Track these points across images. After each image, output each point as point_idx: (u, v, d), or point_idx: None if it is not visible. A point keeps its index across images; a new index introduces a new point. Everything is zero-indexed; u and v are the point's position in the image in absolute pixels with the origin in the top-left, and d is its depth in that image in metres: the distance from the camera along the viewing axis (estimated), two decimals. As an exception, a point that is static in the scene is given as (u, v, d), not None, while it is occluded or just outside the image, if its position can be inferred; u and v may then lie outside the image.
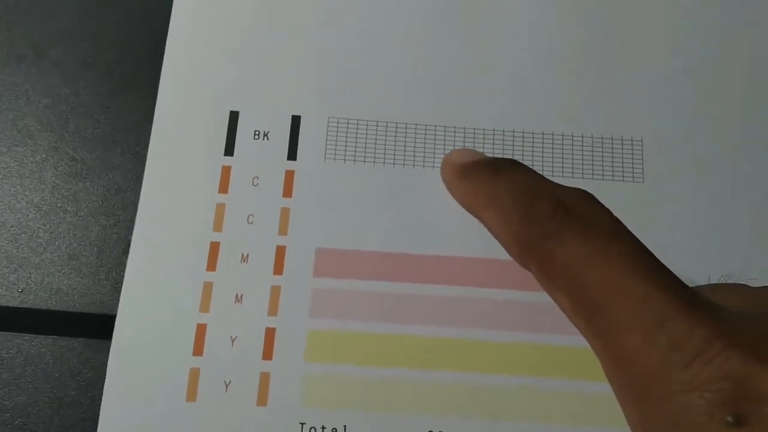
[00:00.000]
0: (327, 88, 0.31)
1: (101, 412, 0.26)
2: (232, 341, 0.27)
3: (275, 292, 0.28)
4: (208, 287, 0.28)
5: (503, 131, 0.30)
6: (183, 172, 0.29)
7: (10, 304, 0.28)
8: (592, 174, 0.29)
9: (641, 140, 0.30)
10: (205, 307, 0.28)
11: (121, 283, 0.28)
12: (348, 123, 0.30)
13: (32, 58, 0.31)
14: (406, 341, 0.27)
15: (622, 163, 0.30)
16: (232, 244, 0.28)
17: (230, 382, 0.27)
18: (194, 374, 0.27)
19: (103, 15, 0.32)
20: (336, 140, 0.30)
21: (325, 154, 0.30)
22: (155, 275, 0.28)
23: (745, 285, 0.20)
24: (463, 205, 0.24)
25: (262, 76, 0.31)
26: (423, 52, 0.31)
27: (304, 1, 0.32)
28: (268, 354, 0.27)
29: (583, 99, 0.30)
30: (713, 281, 0.27)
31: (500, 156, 0.30)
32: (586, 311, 0.17)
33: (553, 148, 0.30)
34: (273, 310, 0.28)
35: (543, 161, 0.30)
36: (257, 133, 0.30)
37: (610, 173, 0.29)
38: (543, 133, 0.30)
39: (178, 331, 0.27)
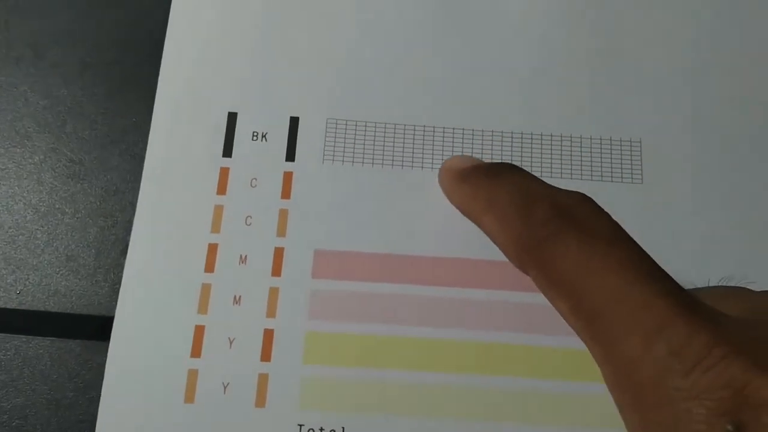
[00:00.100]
0: (325, 90, 0.31)
1: (99, 414, 0.26)
2: (231, 343, 0.27)
3: (273, 293, 0.28)
4: (206, 289, 0.28)
5: (502, 132, 0.30)
6: (181, 173, 0.29)
7: (8, 306, 0.28)
8: (591, 175, 0.29)
9: (640, 141, 0.30)
10: (203, 308, 0.28)
11: (119, 284, 0.28)
12: (346, 124, 0.30)
13: (30, 59, 0.31)
14: (405, 343, 0.27)
15: (621, 164, 0.29)
16: (230, 246, 0.28)
17: (228, 383, 0.27)
18: (192, 376, 0.27)
19: (101, 16, 0.32)
20: (334, 141, 0.30)
21: (324, 155, 0.30)
22: (153, 277, 0.28)
23: (745, 288, 0.20)
24: (462, 210, 0.24)
25: (261, 77, 0.31)
26: (421, 54, 0.31)
27: (302, 2, 0.32)
28: (266, 355, 0.27)
29: (582, 100, 0.30)
30: (713, 284, 0.27)
31: (499, 157, 0.30)
32: (586, 316, 0.17)
33: (551, 149, 0.30)
34: (271, 312, 0.28)
35: (542, 162, 0.30)
36: (255, 134, 0.30)
37: (609, 174, 0.29)
38: (542, 135, 0.30)
39: (176, 332, 0.27)
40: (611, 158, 0.30)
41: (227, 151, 0.30)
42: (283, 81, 0.31)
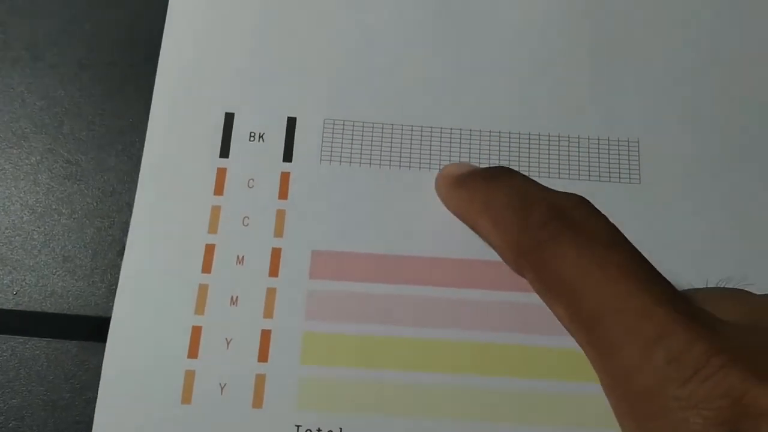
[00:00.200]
0: (322, 90, 0.30)
1: (96, 415, 0.26)
2: (228, 343, 0.27)
3: (271, 294, 0.28)
4: (203, 289, 0.28)
5: (499, 133, 0.30)
6: (178, 174, 0.29)
7: (5, 307, 0.28)
8: (589, 175, 0.29)
9: (638, 141, 0.30)
10: (200, 309, 0.28)
11: (116, 285, 0.28)
12: (344, 125, 0.30)
13: (27, 60, 0.31)
14: (402, 343, 0.27)
15: (619, 164, 0.29)
16: (227, 246, 0.28)
17: (225, 384, 0.27)
18: (189, 376, 0.27)
19: (98, 17, 0.32)
20: (332, 142, 0.30)
21: (321, 155, 0.30)
22: (150, 277, 0.28)
23: (745, 291, 0.20)
24: (459, 216, 0.24)
25: (258, 77, 0.31)
26: (418, 54, 0.31)
27: (299, 2, 0.32)
28: (263, 356, 0.27)
29: (580, 100, 0.30)
30: (711, 284, 0.27)
31: (497, 157, 0.30)
32: (584, 323, 0.17)
33: (549, 149, 0.30)
34: (268, 313, 0.28)
35: (539, 162, 0.29)
36: (253, 134, 0.30)
37: (607, 174, 0.29)
38: (539, 135, 0.30)
39: (173, 333, 0.27)
40: (609, 158, 0.29)
41: (224, 152, 0.30)
42: (280, 81, 0.31)
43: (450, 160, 0.29)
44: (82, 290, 0.28)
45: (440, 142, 0.30)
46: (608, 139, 0.30)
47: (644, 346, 0.15)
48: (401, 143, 0.30)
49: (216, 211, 0.29)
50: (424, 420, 0.26)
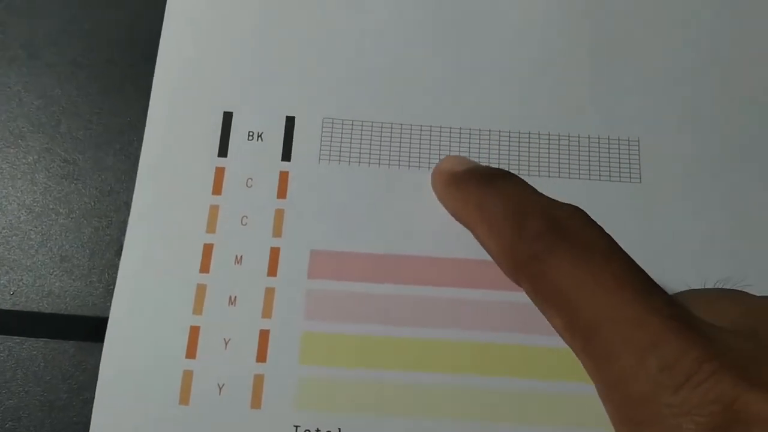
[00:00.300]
0: (321, 89, 0.30)
1: (93, 416, 0.26)
2: (226, 344, 0.27)
3: (269, 294, 0.28)
4: (201, 289, 0.28)
5: (499, 132, 0.30)
6: (176, 173, 0.29)
7: (2, 307, 0.28)
8: (589, 174, 0.29)
9: (638, 140, 0.30)
10: (198, 309, 0.27)
11: (114, 285, 0.28)
12: (343, 124, 0.30)
13: (24, 59, 0.31)
14: (401, 343, 0.27)
15: (619, 163, 0.29)
16: (225, 246, 0.28)
17: (224, 384, 0.27)
18: (187, 377, 0.27)
19: (96, 16, 0.32)
20: (331, 141, 0.30)
21: (320, 155, 0.29)
22: (148, 277, 0.28)
23: (742, 292, 0.20)
24: (454, 216, 0.24)
25: (256, 76, 0.31)
26: (418, 53, 0.31)
27: (298, 1, 0.32)
28: (262, 356, 0.27)
29: (579, 99, 0.30)
30: (709, 285, 0.27)
31: (496, 157, 0.29)
32: (580, 333, 0.17)
33: (549, 148, 0.30)
34: (267, 312, 0.27)
35: (539, 162, 0.29)
36: (251, 134, 0.30)
37: (607, 174, 0.29)
38: (539, 134, 0.30)
39: (171, 333, 0.27)
40: (609, 157, 0.29)
41: (223, 151, 0.29)
42: (279, 80, 0.30)
43: (449, 160, 0.29)
44: (79, 290, 0.28)
45: (439, 141, 0.30)
46: (608, 138, 0.30)
47: (638, 355, 0.16)
48: (401, 142, 0.30)
49: (214, 210, 0.29)
50: (424, 420, 0.26)
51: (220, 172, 0.29)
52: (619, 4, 0.32)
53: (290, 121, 0.30)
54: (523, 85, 0.31)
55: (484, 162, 0.29)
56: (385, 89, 0.30)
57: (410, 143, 0.30)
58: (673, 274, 0.28)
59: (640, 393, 0.15)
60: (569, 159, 0.29)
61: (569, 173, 0.29)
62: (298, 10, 0.32)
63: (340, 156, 0.29)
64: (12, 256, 0.28)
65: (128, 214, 0.28)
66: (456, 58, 0.31)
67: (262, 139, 0.30)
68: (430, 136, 0.30)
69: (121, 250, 0.28)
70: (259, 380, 0.27)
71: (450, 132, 0.30)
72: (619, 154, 0.29)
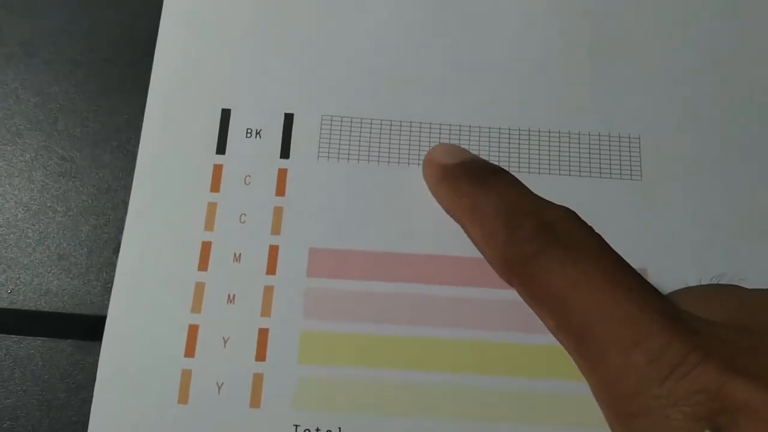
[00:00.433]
0: (320, 86, 0.30)
1: (91, 415, 0.26)
2: (225, 342, 0.27)
3: (268, 292, 0.28)
4: (200, 288, 0.28)
5: (499, 129, 0.30)
6: (174, 170, 0.29)
7: (-1, 305, 0.28)
8: (590, 172, 0.29)
9: (639, 138, 0.30)
10: (197, 307, 0.27)
11: (112, 283, 0.27)
12: (341, 121, 0.30)
13: (22, 57, 0.31)
14: (400, 342, 0.27)
15: (620, 160, 0.29)
16: (224, 244, 0.28)
17: (223, 383, 0.26)
18: (186, 376, 0.26)
19: (94, 13, 0.32)
20: (329, 138, 0.30)
21: (319, 152, 0.29)
22: (146, 275, 0.28)
23: (735, 286, 0.20)
24: (445, 209, 0.24)
25: (255, 73, 0.30)
26: (417, 50, 0.31)
27: (297, -2, 0.32)
28: (261, 355, 0.27)
29: (580, 96, 0.30)
30: (705, 281, 0.27)
31: (496, 154, 0.29)
32: (572, 332, 0.17)
33: (549, 145, 0.30)
34: (266, 311, 0.27)
35: (539, 159, 0.29)
36: (249, 131, 0.30)
37: (608, 171, 0.29)
38: (539, 131, 0.30)
39: (169, 332, 0.27)
40: (610, 155, 0.29)
41: (221, 148, 0.29)
42: (278, 77, 0.30)
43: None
44: (77, 289, 0.28)
45: (439, 138, 0.30)
46: (609, 136, 0.30)
47: (626, 351, 0.16)
48: (400, 140, 0.30)
49: (212, 208, 0.28)
50: (424, 420, 0.26)
51: (218, 170, 0.29)
52: (619, 4, 0.32)
53: (289, 119, 0.30)
54: (523, 82, 0.30)
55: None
56: (384, 86, 0.30)
57: (410, 140, 0.30)
58: (673, 272, 0.28)
59: (629, 388, 0.16)
60: (569, 156, 0.29)
61: (570, 170, 0.29)
62: (296, 6, 0.31)
63: (339, 153, 0.29)
64: (9, 255, 0.28)
65: (126, 212, 0.28)
66: (456, 57, 0.31)
67: (260, 137, 0.30)
68: (430, 133, 0.30)
69: (119, 248, 0.28)
70: (258, 379, 0.26)
71: (449, 129, 0.30)
72: (620, 151, 0.29)
